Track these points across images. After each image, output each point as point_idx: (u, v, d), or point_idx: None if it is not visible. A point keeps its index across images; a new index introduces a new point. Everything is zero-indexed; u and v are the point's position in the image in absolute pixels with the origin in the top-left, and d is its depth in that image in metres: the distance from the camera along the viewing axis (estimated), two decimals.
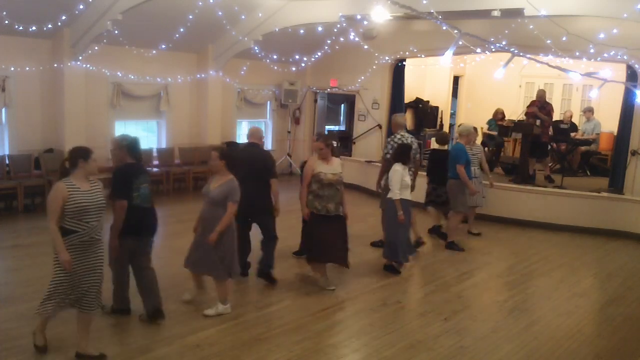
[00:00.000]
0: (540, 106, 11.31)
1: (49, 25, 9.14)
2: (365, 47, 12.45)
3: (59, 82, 10.05)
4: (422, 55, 12.76)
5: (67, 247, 4.33)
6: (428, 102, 14.93)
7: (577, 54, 10.27)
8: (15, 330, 5.01)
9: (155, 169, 11.22)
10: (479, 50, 10.60)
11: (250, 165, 6.30)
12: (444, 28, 5.88)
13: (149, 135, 12.19)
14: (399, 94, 13.37)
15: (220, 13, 9.97)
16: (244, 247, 6.61)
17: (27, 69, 9.71)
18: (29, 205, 9.50)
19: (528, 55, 7.00)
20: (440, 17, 7.05)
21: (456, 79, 15.92)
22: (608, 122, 12.46)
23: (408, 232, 7.34)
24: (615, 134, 11.26)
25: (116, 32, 9.49)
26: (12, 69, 9.53)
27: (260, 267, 6.60)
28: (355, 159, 13.21)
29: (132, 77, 11.09)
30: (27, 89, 9.84)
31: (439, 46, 10.29)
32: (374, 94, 13.51)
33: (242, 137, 14.23)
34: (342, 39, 12.61)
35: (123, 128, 11.65)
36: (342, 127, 17.24)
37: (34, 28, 9.02)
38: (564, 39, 9.13)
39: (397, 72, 13.33)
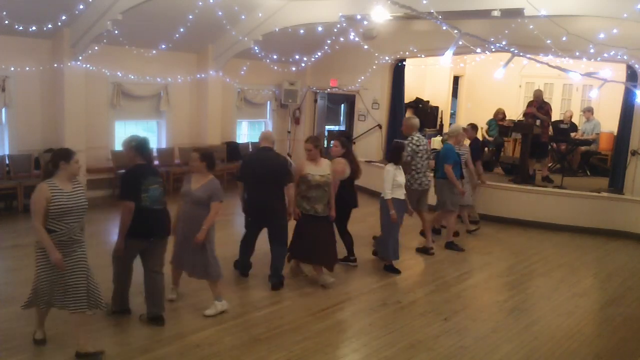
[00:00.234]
0: (538, 106, 11.33)
1: (49, 25, 9.14)
2: (365, 47, 12.45)
3: (59, 82, 10.06)
4: (422, 55, 12.76)
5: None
6: (428, 102, 14.94)
7: (577, 54, 10.27)
8: (15, 330, 5.01)
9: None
10: (479, 50, 10.60)
11: (266, 169, 6.24)
12: (444, 28, 5.88)
13: (149, 135, 12.17)
14: (399, 94, 13.38)
15: (220, 13, 9.97)
16: (248, 250, 6.62)
17: (27, 69, 9.72)
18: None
19: (528, 55, 7.00)
20: (440, 17, 7.05)
21: (456, 79, 15.92)
22: (608, 122, 12.46)
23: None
24: (615, 134, 11.27)
25: (116, 32, 9.48)
26: (12, 69, 9.53)
27: (276, 280, 6.42)
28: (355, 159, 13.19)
29: (132, 77, 11.10)
30: (27, 89, 9.85)
31: (439, 46, 10.30)
32: (374, 94, 13.52)
33: (242, 137, 14.26)
34: (342, 39, 12.62)
35: (123, 128, 11.66)
36: (342, 127, 17.24)
37: (34, 28, 9.02)
38: (564, 39, 9.13)
39: (397, 72, 13.34)
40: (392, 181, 6.96)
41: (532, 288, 7.02)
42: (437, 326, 5.66)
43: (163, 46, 10.99)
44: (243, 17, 10.86)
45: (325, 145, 15.87)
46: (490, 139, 13.06)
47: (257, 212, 6.35)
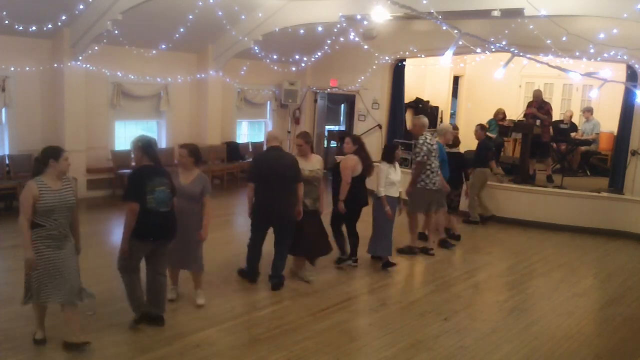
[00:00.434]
0: (538, 106, 11.32)
1: (49, 25, 9.14)
2: (365, 47, 12.45)
3: (59, 82, 10.06)
4: (422, 55, 12.76)
5: (38, 239, 4.54)
6: (428, 102, 14.92)
7: (577, 54, 10.27)
8: (15, 330, 5.01)
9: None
10: (479, 50, 10.60)
11: (278, 169, 6.14)
12: (444, 28, 5.88)
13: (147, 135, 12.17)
14: (399, 94, 13.38)
15: (220, 13, 9.97)
16: (257, 254, 6.44)
17: (27, 69, 9.72)
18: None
19: (528, 55, 7.00)
20: (440, 17, 7.06)
21: (456, 79, 15.91)
22: (608, 122, 12.45)
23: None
24: (615, 134, 11.26)
25: (116, 32, 9.48)
26: (12, 69, 9.53)
27: (276, 280, 6.42)
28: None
29: (132, 77, 11.10)
30: (27, 89, 9.84)
31: (439, 46, 10.29)
32: (374, 94, 13.52)
33: (242, 137, 14.26)
34: (342, 39, 12.62)
35: (123, 128, 11.67)
36: (342, 127, 17.25)
37: (34, 28, 9.02)
38: (564, 39, 9.13)
39: (397, 72, 13.34)
40: (386, 179, 7.10)
41: (532, 288, 7.02)
42: (437, 326, 5.65)
43: (163, 46, 10.99)
44: (243, 17, 10.86)
45: (325, 145, 15.92)
46: (493, 136, 13.05)
47: (269, 213, 6.21)
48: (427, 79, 15.42)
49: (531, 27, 9.51)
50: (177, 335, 5.12)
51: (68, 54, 9.91)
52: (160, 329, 5.21)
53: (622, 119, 10.66)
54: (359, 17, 10.51)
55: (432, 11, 7.74)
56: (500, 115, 13.41)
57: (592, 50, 9.70)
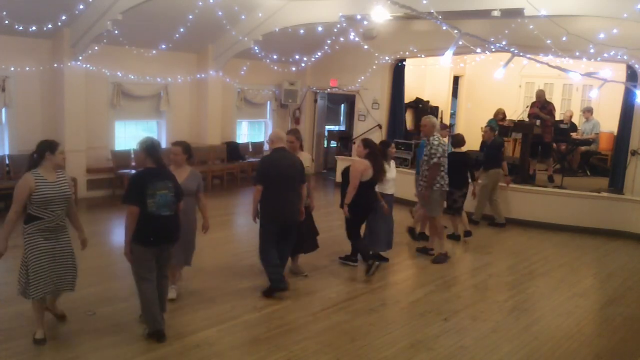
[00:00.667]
0: (540, 106, 11.31)
1: (49, 25, 9.14)
2: (365, 47, 12.45)
3: (59, 82, 10.06)
4: (422, 55, 12.76)
5: (36, 232, 4.70)
6: (428, 102, 14.92)
7: (577, 54, 10.27)
8: (15, 330, 5.01)
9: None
10: (479, 50, 10.61)
11: (286, 170, 6.07)
12: (444, 28, 5.88)
13: (149, 135, 12.17)
14: (399, 94, 13.38)
15: (220, 13, 9.98)
16: (276, 260, 6.17)
17: (27, 69, 9.72)
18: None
19: (528, 55, 7.00)
20: (440, 17, 7.06)
21: (456, 79, 15.91)
22: (608, 122, 12.45)
23: (392, 225, 7.59)
24: (615, 134, 11.27)
25: (116, 32, 9.49)
26: (12, 69, 9.53)
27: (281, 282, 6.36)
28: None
29: (132, 77, 11.10)
30: (27, 89, 9.85)
31: (439, 46, 10.30)
32: (374, 94, 13.52)
33: (242, 137, 14.26)
34: (342, 39, 12.62)
35: (123, 128, 11.67)
36: (342, 127, 17.25)
37: (34, 28, 9.02)
38: (564, 39, 9.14)
39: (397, 72, 13.34)
40: None
41: (532, 288, 7.02)
42: (437, 326, 5.65)
43: (163, 46, 10.99)
44: (243, 17, 10.87)
45: (325, 145, 15.93)
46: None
47: (279, 215, 6.09)
48: (427, 79, 15.42)
49: (531, 27, 9.52)
50: (177, 335, 5.11)
51: (68, 54, 9.92)
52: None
53: (622, 119, 10.67)
54: (359, 17, 10.51)
55: (432, 11, 7.75)
56: (500, 115, 13.39)
57: (592, 50, 9.70)
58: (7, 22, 8.57)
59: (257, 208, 6.13)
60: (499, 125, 13.12)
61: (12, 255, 7.24)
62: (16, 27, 8.82)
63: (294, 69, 13.59)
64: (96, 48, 10.22)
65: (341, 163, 13.46)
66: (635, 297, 6.88)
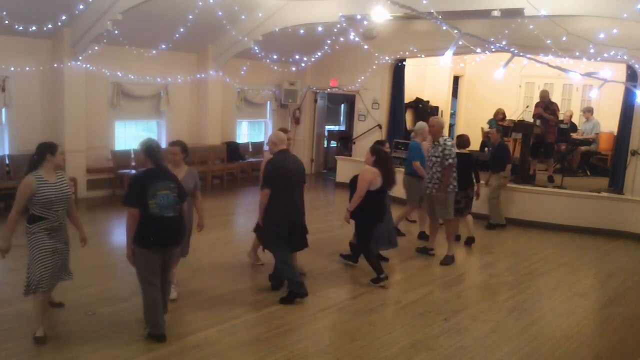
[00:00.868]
0: (544, 107, 11.29)
1: (49, 25, 9.14)
2: (365, 47, 12.45)
3: (59, 82, 10.06)
4: (422, 55, 12.76)
5: (41, 231, 4.84)
6: (428, 102, 14.93)
7: (577, 54, 10.28)
8: (15, 330, 5.01)
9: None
10: (479, 50, 10.61)
11: (293, 172, 6.03)
12: (444, 28, 5.88)
13: (149, 136, 12.18)
14: (399, 94, 13.38)
15: (220, 13, 9.98)
16: (292, 264, 6.15)
17: (27, 69, 9.72)
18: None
19: (528, 55, 7.00)
20: (440, 17, 7.06)
21: (456, 79, 15.92)
22: (608, 122, 12.46)
23: (390, 223, 7.56)
24: (615, 134, 11.27)
25: (116, 32, 9.49)
26: (12, 69, 9.53)
27: (278, 280, 6.32)
28: (356, 159, 13.21)
29: (132, 77, 11.10)
30: (27, 89, 9.85)
31: (439, 46, 10.31)
32: (374, 94, 13.52)
33: (242, 137, 14.26)
34: (342, 39, 12.62)
35: (123, 128, 11.67)
36: (342, 127, 17.25)
37: (34, 28, 9.02)
38: (564, 39, 9.14)
39: (397, 72, 13.34)
40: None
41: (532, 288, 7.02)
42: (437, 326, 5.65)
43: (163, 46, 10.99)
44: (243, 17, 10.87)
45: (325, 145, 15.93)
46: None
47: (290, 217, 6.03)
48: (427, 79, 15.43)
49: (531, 27, 9.52)
50: (177, 335, 5.11)
51: (68, 54, 9.92)
52: None
53: (622, 119, 10.67)
54: (359, 17, 10.51)
55: (432, 11, 7.75)
56: (500, 115, 13.41)
57: (592, 50, 9.70)
58: (7, 22, 8.57)
59: (265, 213, 5.97)
60: (498, 126, 13.14)
61: (12, 255, 7.23)
62: (16, 27, 8.82)
63: (294, 69, 13.59)
64: (96, 48, 10.22)
65: (341, 163, 13.48)
66: (635, 297, 6.88)
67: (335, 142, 16.38)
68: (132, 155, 11.11)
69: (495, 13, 8.92)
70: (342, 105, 17.00)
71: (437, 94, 15.33)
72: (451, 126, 16.01)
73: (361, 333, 5.44)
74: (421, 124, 9.09)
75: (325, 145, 15.97)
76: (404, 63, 13.28)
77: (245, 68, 12.86)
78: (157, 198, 4.75)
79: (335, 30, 12.16)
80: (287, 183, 5.92)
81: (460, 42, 5.24)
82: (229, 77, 12.73)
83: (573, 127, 13.09)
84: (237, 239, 8.23)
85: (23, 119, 9.85)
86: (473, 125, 14.52)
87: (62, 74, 9.98)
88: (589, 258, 8.59)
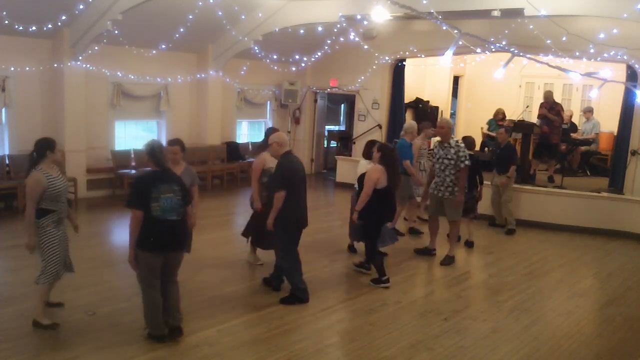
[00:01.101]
0: (549, 107, 11.26)
1: (49, 25, 9.14)
2: (365, 47, 12.45)
3: (59, 82, 10.06)
4: (422, 55, 12.77)
5: (51, 223, 5.02)
6: (428, 102, 14.94)
7: (577, 54, 10.28)
8: (15, 330, 5.01)
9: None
10: (479, 50, 10.61)
11: (302, 174, 6.03)
12: (444, 28, 5.88)
13: (149, 135, 12.18)
14: (399, 94, 13.39)
15: (220, 13, 9.97)
16: (300, 268, 6.11)
17: (27, 69, 9.71)
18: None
19: (528, 55, 7.00)
20: (440, 17, 7.06)
21: (456, 79, 15.92)
22: (608, 122, 12.45)
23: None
24: (615, 134, 11.27)
25: (116, 32, 9.49)
26: (12, 69, 9.53)
27: (279, 281, 6.32)
28: (356, 159, 13.20)
29: (132, 77, 11.10)
30: (27, 89, 9.84)
31: (439, 46, 10.31)
32: (374, 94, 13.52)
33: (242, 137, 14.26)
34: (342, 39, 12.62)
35: (123, 128, 11.67)
36: (342, 127, 17.25)
37: (34, 28, 9.02)
38: (564, 39, 9.14)
39: (397, 72, 13.35)
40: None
41: (532, 288, 7.02)
42: (437, 326, 5.65)
43: (163, 46, 10.99)
44: (243, 17, 10.86)
45: (325, 145, 15.93)
46: (494, 134, 13.07)
47: (301, 220, 6.00)
48: (427, 79, 15.43)
49: (531, 27, 9.52)
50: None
51: (68, 54, 9.92)
52: None
53: (622, 119, 10.67)
54: (359, 17, 10.51)
55: (432, 11, 7.74)
56: (500, 115, 13.42)
57: (592, 50, 9.70)
58: (7, 22, 8.57)
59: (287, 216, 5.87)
60: (498, 126, 13.14)
61: (12, 255, 7.27)
62: (16, 27, 8.82)
63: (294, 69, 13.59)
64: (96, 48, 10.22)
65: (341, 163, 13.48)
66: (635, 297, 6.88)
67: (335, 142, 16.38)
68: (132, 155, 11.11)
69: (495, 13, 8.92)
70: (342, 105, 17.00)
71: (437, 94, 15.33)
72: None
73: (361, 333, 5.44)
74: (410, 122, 9.20)
75: (325, 145, 15.97)
76: (404, 63, 13.28)
77: (245, 68, 12.86)
78: (161, 201, 4.70)
79: (335, 30, 12.16)
80: (297, 186, 5.87)
81: (460, 42, 5.24)
82: (229, 77, 12.73)
83: (573, 127, 13.08)
84: (237, 239, 8.20)
85: (23, 119, 9.84)
86: (473, 125, 14.52)
87: (62, 74, 9.98)
88: (589, 258, 8.59)
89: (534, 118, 13.14)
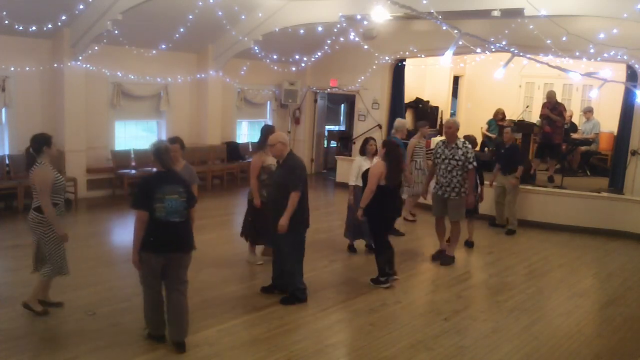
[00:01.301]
0: (551, 107, 11.24)
1: (49, 25, 9.14)
2: (365, 47, 12.45)
3: (59, 82, 10.06)
4: (422, 55, 12.76)
5: (58, 215, 5.16)
6: (428, 102, 14.93)
7: (577, 54, 10.27)
8: (15, 330, 5.01)
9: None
10: (479, 50, 10.60)
11: (306, 174, 6.06)
12: (444, 28, 5.88)
13: (149, 135, 12.19)
14: (399, 94, 13.38)
15: (220, 13, 9.97)
16: (301, 266, 6.10)
17: (27, 69, 9.71)
18: (29, 205, 9.47)
19: (528, 55, 7.00)
20: (440, 17, 7.06)
21: (456, 79, 15.92)
22: (608, 122, 12.45)
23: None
24: (615, 134, 11.26)
25: (116, 32, 9.49)
26: (12, 69, 9.53)
27: (283, 281, 6.22)
28: (355, 159, 13.20)
29: (132, 77, 11.10)
30: (27, 89, 9.84)
31: (439, 46, 10.30)
32: (374, 94, 13.52)
33: (242, 137, 14.25)
34: (342, 39, 12.62)
35: (123, 128, 11.67)
36: (342, 127, 17.25)
37: (34, 28, 9.02)
38: (564, 39, 9.13)
39: (397, 72, 13.34)
40: (358, 170, 7.46)
41: (532, 288, 7.02)
42: (437, 326, 5.65)
43: (163, 46, 10.99)
44: (243, 17, 10.86)
45: (325, 145, 15.93)
46: (493, 136, 13.08)
47: (307, 219, 6.03)
48: (427, 79, 15.43)
49: (531, 27, 9.51)
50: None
51: (68, 54, 9.92)
52: None
53: (622, 119, 10.67)
54: (359, 17, 10.51)
55: (432, 11, 7.74)
56: (499, 115, 13.42)
57: (592, 50, 9.70)
58: (7, 22, 8.56)
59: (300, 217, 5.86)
60: (498, 126, 13.15)
61: (12, 255, 7.27)
62: (16, 27, 8.82)
63: (294, 69, 13.59)
64: (96, 48, 10.22)
65: (341, 163, 13.48)
66: (635, 297, 6.88)
67: (335, 142, 16.38)
68: (132, 155, 11.11)
69: (495, 13, 8.92)
70: (342, 105, 17.00)
71: (437, 94, 15.33)
72: None
73: (361, 333, 5.44)
74: (401, 120, 9.33)
75: (325, 145, 15.97)
76: (404, 63, 13.28)
77: (245, 68, 12.86)
78: (165, 202, 4.66)
79: (335, 30, 12.16)
80: (304, 185, 5.88)
81: (460, 42, 5.24)
82: (229, 77, 12.73)
83: (573, 127, 13.08)
84: (237, 239, 8.19)
85: (23, 119, 9.84)
86: (473, 125, 14.49)
87: (62, 74, 9.98)
88: (589, 258, 8.59)
89: (534, 118, 13.16)
